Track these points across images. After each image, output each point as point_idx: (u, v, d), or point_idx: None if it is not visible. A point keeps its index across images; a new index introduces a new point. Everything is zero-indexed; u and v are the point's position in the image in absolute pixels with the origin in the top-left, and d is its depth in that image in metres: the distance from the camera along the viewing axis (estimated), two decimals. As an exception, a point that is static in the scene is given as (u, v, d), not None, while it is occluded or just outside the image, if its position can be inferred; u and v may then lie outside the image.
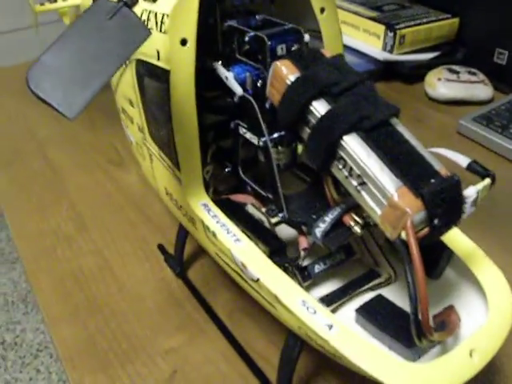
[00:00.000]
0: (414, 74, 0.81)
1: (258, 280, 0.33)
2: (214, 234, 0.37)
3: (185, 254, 0.51)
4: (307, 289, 0.38)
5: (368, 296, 0.38)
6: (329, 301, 0.37)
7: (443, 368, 0.29)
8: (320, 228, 0.34)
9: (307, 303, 0.31)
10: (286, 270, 0.35)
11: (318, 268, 0.38)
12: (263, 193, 0.39)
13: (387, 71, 0.82)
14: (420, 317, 0.27)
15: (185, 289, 0.49)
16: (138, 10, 0.38)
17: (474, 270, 0.35)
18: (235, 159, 0.41)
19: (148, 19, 0.37)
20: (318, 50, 0.34)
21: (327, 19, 0.40)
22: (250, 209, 0.40)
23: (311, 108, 0.31)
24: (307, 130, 0.32)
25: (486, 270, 0.35)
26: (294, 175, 0.43)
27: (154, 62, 0.36)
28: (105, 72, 0.28)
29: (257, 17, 0.39)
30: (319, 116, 0.31)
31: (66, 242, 0.56)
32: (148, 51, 0.37)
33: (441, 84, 0.77)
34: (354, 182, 0.30)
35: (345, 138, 0.30)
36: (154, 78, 0.37)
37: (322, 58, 0.34)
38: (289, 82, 0.32)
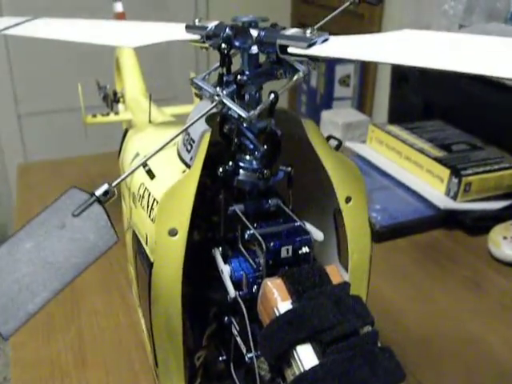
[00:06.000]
0: (478, 225, 0.73)
1: None
2: None
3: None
4: None
5: None
6: None
7: None
8: None
9: None
10: None
11: None
12: None
13: (448, 218, 0.74)
14: None
15: None
16: (136, 182, 0.35)
17: None
18: (228, 354, 0.35)
19: (142, 197, 0.33)
20: (322, 269, 0.28)
21: (353, 211, 0.34)
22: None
23: (295, 354, 0.25)
24: (290, 376, 0.26)
25: None
26: None
27: (143, 244, 0.32)
28: (49, 289, 0.24)
29: (270, 201, 0.34)
30: (301, 369, 0.25)
31: (60, 378, 0.52)
32: (140, 230, 0.33)
33: (507, 244, 0.68)
34: None
35: None
36: (141, 260, 0.33)
37: (324, 285, 0.28)
38: (276, 313, 0.26)
